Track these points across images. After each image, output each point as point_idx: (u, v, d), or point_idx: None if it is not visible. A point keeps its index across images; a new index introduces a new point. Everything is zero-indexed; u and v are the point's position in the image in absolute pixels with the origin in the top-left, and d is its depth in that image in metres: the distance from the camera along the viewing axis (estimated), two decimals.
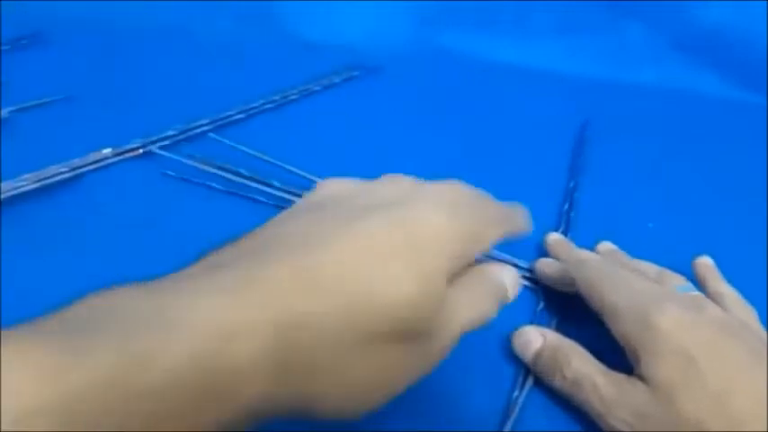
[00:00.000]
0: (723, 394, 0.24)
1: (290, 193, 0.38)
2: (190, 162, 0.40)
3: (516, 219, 0.26)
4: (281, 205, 0.37)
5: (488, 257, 0.35)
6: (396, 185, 0.23)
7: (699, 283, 0.32)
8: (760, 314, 0.30)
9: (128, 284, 0.16)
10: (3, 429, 0.12)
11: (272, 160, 0.40)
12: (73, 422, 0.13)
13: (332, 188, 0.24)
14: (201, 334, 0.15)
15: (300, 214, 0.22)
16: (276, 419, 0.17)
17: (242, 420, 0.16)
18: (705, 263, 0.34)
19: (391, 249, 0.19)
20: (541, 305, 0.33)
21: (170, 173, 0.39)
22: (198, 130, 0.43)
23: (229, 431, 0.16)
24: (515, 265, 0.35)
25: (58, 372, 0.13)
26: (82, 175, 0.38)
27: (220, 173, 0.40)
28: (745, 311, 0.30)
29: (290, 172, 0.39)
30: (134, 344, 0.14)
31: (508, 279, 0.24)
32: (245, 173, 0.39)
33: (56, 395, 0.13)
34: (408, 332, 0.19)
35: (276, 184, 0.38)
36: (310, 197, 0.24)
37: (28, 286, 0.31)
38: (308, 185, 0.38)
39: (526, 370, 0.29)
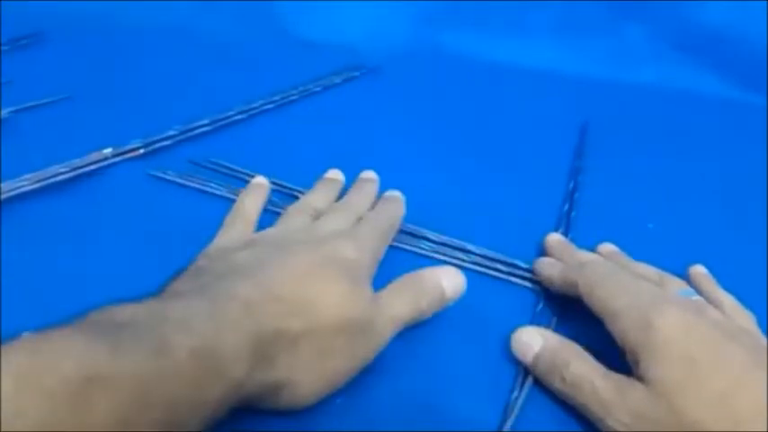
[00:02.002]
0: (724, 396, 0.24)
1: (287, 194, 0.38)
2: (190, 162, 0.40)
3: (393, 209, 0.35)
4: (279, 207, 0.37)
5: (489, 258, 0.35)
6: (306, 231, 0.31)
7: (696, 292, 0.32)
8: (759, 318, 0.30)
9: (129, 302, 0.21)
10: (76, 387, 0.17)
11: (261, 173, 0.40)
12: (122, 392, 0.18)
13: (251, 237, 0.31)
14: (199, 335, 0.21)
15: (238, 250, 0.28)
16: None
17: (232, 397, 0.22)
18: (700, 272, 0.34)
19: (323, 269, 0.26)
20: (541, 305, 0.33)
21: (170, 173, 0.39)
22: (198, 131, 0.43)
23: (224, 406, 0.22)
24: (515, 266, 0.35)
25: (107, 361, 0.18)
26: (82, 175, 0.38)
27: (220, 173, 0.40)
28: (744, 318, 0.30)
29: (289, 171, 0.39)
30: (156, 343, 0.20)
31: (446, 281, 0.29)
32: (245, 174, 0.39)
33: (110, 372, 0.18)
34: (349, 324, 0.25)
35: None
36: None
37: (28, 286, 0.31)
38: (305, 186, 0.38)
39: (526, 370, 0.29)
